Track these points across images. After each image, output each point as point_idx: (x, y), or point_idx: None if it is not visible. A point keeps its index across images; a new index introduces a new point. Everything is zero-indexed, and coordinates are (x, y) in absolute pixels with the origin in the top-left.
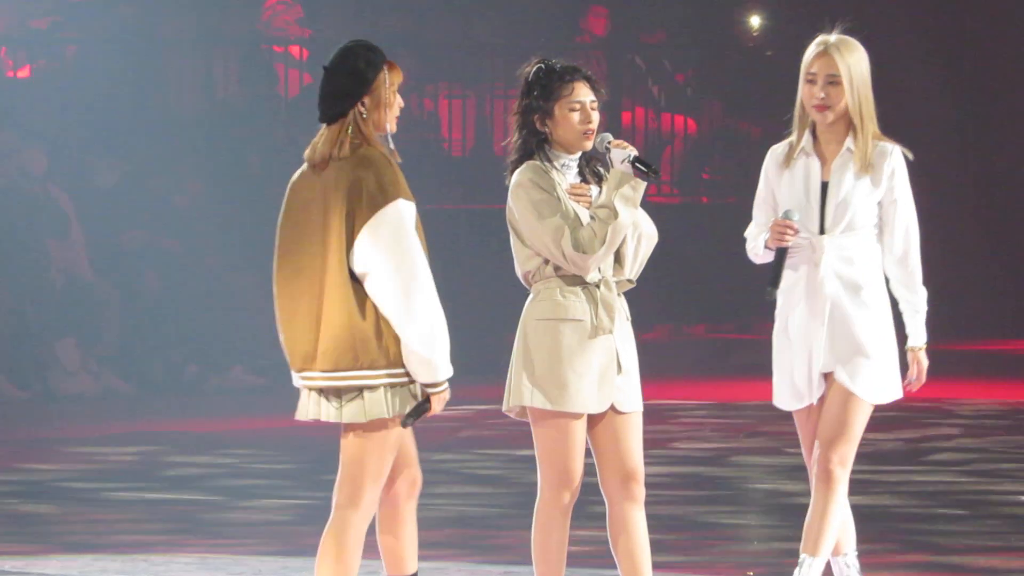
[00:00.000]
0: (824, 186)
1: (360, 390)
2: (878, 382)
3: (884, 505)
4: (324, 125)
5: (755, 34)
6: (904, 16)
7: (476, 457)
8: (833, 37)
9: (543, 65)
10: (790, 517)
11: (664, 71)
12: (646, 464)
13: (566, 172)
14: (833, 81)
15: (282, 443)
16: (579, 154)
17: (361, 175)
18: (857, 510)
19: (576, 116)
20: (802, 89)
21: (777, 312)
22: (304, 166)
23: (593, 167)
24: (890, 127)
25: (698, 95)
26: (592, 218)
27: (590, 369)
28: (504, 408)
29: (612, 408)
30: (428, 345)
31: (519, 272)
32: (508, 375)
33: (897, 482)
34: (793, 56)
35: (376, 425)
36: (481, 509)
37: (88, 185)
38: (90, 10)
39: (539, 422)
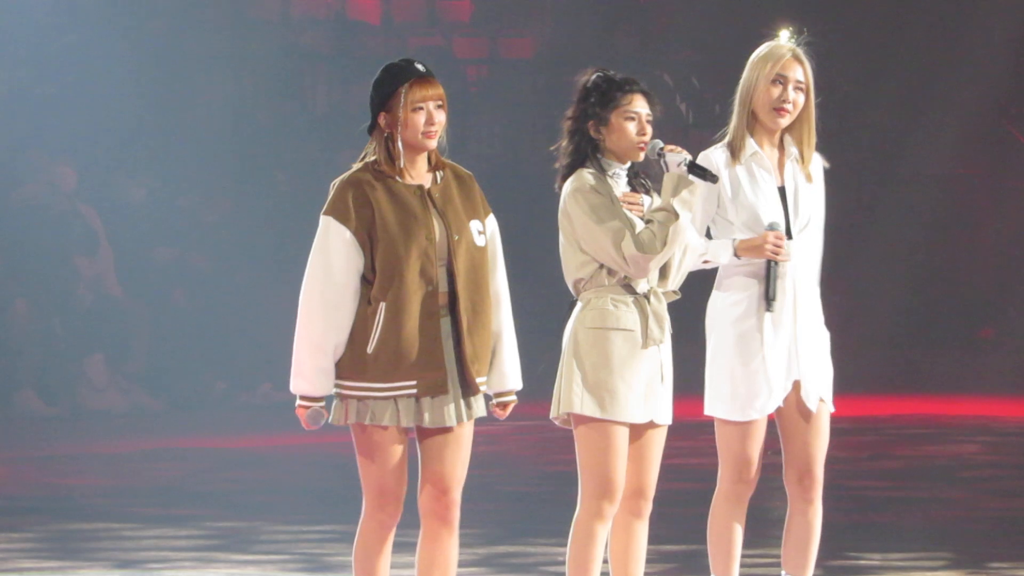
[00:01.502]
0: (781, 191)
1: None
2: (831, 388)
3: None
4: None
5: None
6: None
7: (504, 473)
8: (793, 42)
9: (602, 74)
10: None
11: (692, 88)
12: (673, 479)
13: (617, 180)
14: (799, 88)
15: (311, 460)
16: (628, 164)
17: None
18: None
19: (632, 126)
20: (761, 88)
21: (731, 320)
22: None
23: (642, 179)
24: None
25: (726, 112)
26: (648, 222)
27: (638, 379)
28: (552, 415)
29: (650, 421)
30: (294, 357)
31: (569, 280)
32: (556, 383)
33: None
34: (821, 74)
35: (352, 431)
36: (511, 525)
37: (117, 202)
38: (119, 27)
39: (585, 429)
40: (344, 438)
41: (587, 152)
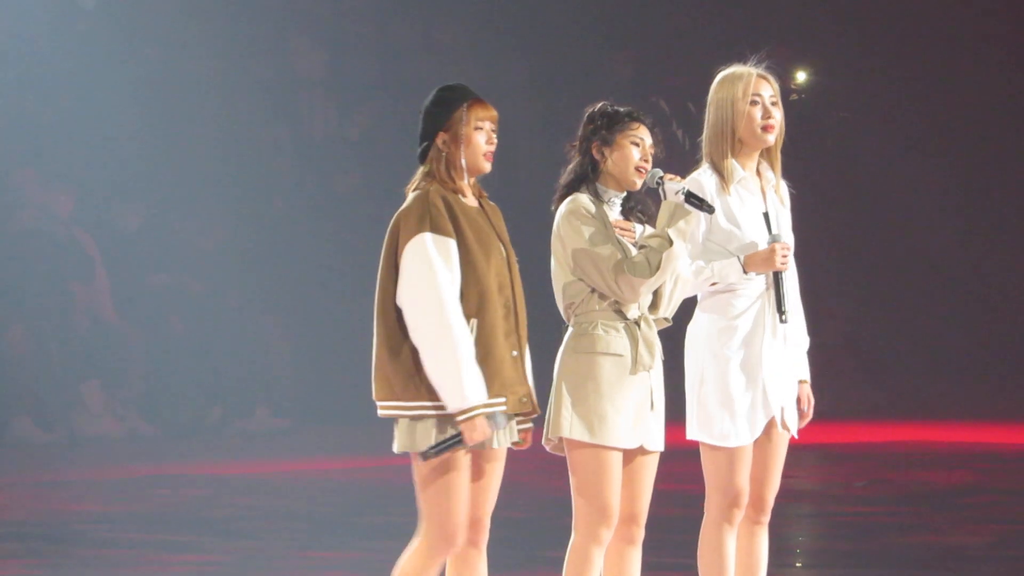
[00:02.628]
0: (765, 216)
1: (397, 420)
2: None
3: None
4: None
5: (799, 87)
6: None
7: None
8: (754, 63)
9: (609, 104)
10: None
11: (688, 114)
12: (666, 504)
13: (611, 207)
14: (775, 103)
15: (308, 486)
16: (625, 193)
17: (401, 214)
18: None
19: (636, 151)
20: (742, 113)
21: (724, 346)
22: None
23: (636, 209)
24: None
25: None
26: (642, 247)
27: (627, 405)
28: (544, 440)
29: (640, 447)
30: (441, 372)
31: (560, 304)
32: (547, 408)
33: None
34: (819, 102)
35: (414, 458)
36: (508, 553)
37: (113, 228)
38: (115, 52)
39: (577, 455)
40: (337, 464)
41: (587, 175)
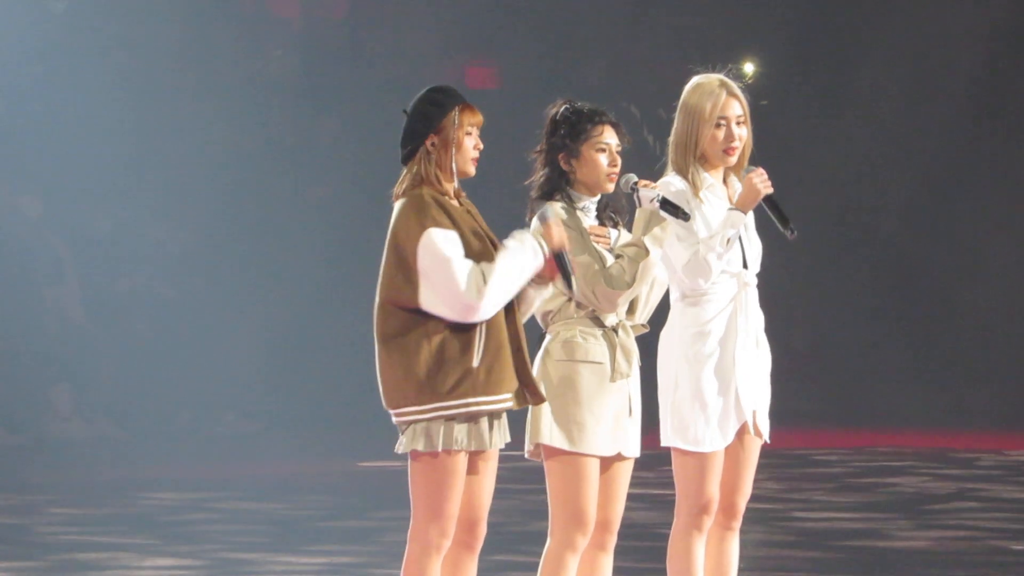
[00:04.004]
0: None
1: (403, 425)
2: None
3: None
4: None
5: (748, 81)
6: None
7: None
8: (719, 77)
9: (570, 105)
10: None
11: (659, 120)
12: (639, 509)
13: (587, 213)
14: (740, 122)
15: (277, 489)
16: (599, 197)
17: (399, 222)
18: None
19: (603, 158)
20: (705, 134)
21: (698, 351)
22: None
23: (610, 212)
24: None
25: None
26: (618, 257)
27: (605, 412)
28: (526, 449)
29: (618, 453)
30: (514, 277)
31: (538, 312)
32: (527, 416)
33: None
34: (789, 105)
35: (415, 458)
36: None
37: (82, 231)
38: (86, 58)
39: (555, 462)
40: (307, 467)
41: (558, 184)
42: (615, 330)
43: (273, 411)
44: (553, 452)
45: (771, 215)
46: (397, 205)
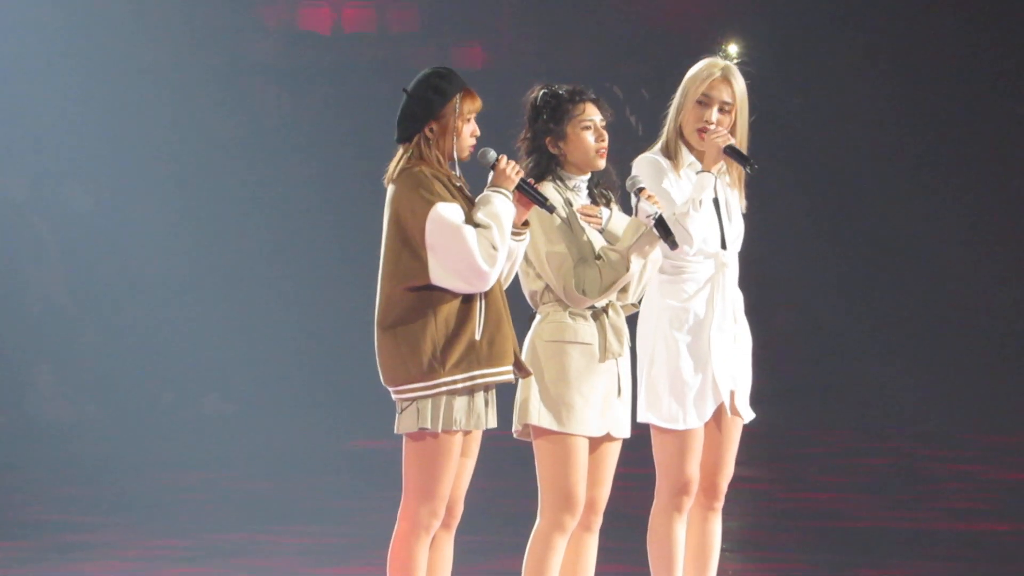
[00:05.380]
0: (715, 203)
1: (405, 402)
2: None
3: None
4: (399, 146)
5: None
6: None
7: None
8: (724, 62)
9: (548, 89)
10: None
11: (642, 100)
12: (626, 489)
13: (578, 193)
14: (724, 109)
15: (259, 466)
16: (589, 175)
17: (401, 199)
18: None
19: (589, 135)
20: (688, 108)
21: (677, 328)
22: None
23: (602, 189)
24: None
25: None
26: (599, 257)
27: (594, 393)
28: (514, 429)
29: (607, 434)
30: (503, 247)
31: (526, 291)
32: (515, 396)
33: None
34: (771, 87)
35: (414, 437)
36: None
37: (66, 212)
38: (66, 37)
39: (544, 443)
40: (290, 447)
41: (548, 168)
42: (605, 311)
43: (257, 392)
44: (542, 432)
45: (735, 161)
46: (394, 186)
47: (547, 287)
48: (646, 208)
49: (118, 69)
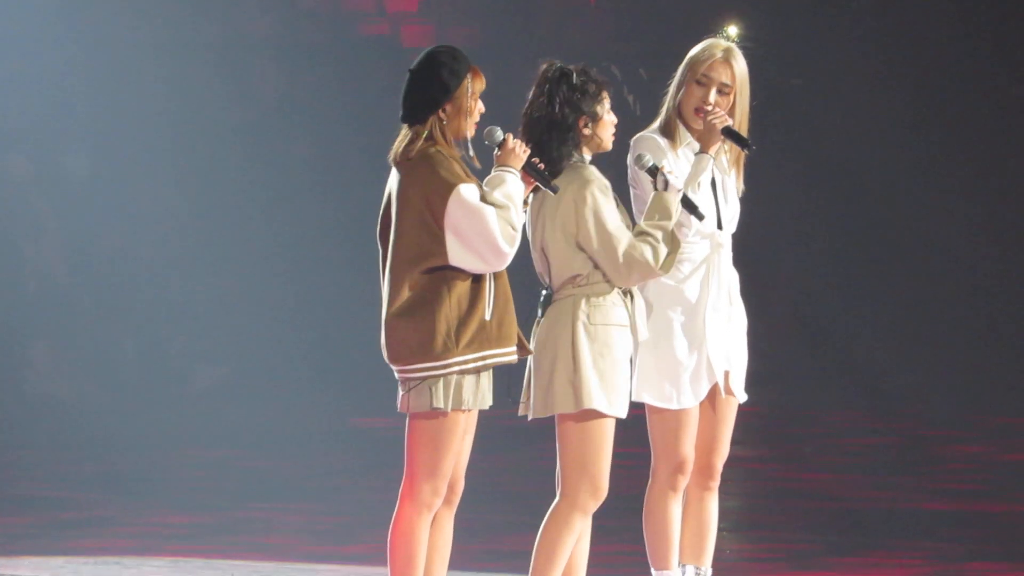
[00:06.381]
0: (712, 182)
1: (414, 381)
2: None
3: None
4: (404, 125)
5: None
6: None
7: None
8: (726, 43)
9: (575, 70)
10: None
11: (640, 80)
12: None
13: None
14: (724, 91)
15: (256, 444)
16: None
17: (422, 179)
18: None
19: (612, 116)
20: (686, 87)
21: (672, 307)
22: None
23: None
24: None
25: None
26: (643, 233)
27: (628, 375)
28: (539, 412)
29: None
30: (520, 226)
31: (562, 274)
32: (546, 377)
33: None
34: (768, 67)
35: (425, 416)
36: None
37: (64, 188)
38: (64, 14)
39: (586, 426)
40: (291, 421)
41: (573, 148)
42: (631, 294)
43: (256, 369)
44: (587, 415)
45: (732, 143)
46: (410, 167)
47: (591, 270)
48: (675, 183)
49: (116, 43)
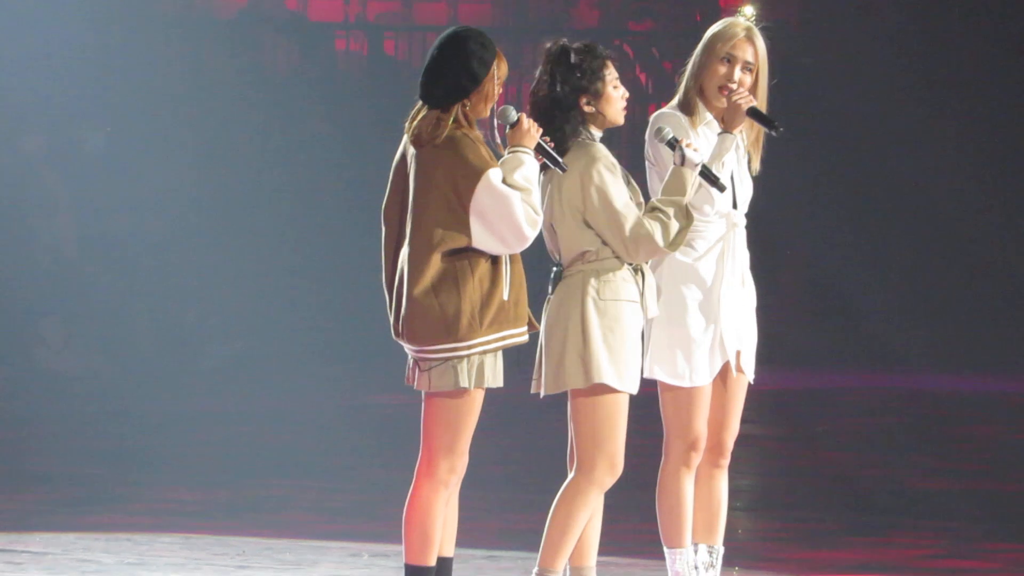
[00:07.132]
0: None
1: (436, 362)
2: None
3: None
4: (422, 103)
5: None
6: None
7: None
8: (747, 23)
9: (575, 46)
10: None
11: (652, 59)
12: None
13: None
14: (747, 68)
15: (267, 422)
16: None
17: (452, 162)
18: None
19: (619, 92)
20: (710, 66)
21: (687, 284)
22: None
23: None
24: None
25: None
26: (655, 209)
27: (639, 350)
28: (552, 388)
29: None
30: (530, 214)
31: (571, 251)
32: (557, 353)
33: None
34: (780, 45)
35: (445, 396)
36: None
37: (76, 165)
38: None
39: (600, 400)
40: (300, 400)
41: (580, 126)
42: (641, 270)
43: (269, 344)
44: (600, 390)
45: (759, 124)
46: (436, 150)
47: (600, 246)
48: (694, 157)
49: (130, 20)
